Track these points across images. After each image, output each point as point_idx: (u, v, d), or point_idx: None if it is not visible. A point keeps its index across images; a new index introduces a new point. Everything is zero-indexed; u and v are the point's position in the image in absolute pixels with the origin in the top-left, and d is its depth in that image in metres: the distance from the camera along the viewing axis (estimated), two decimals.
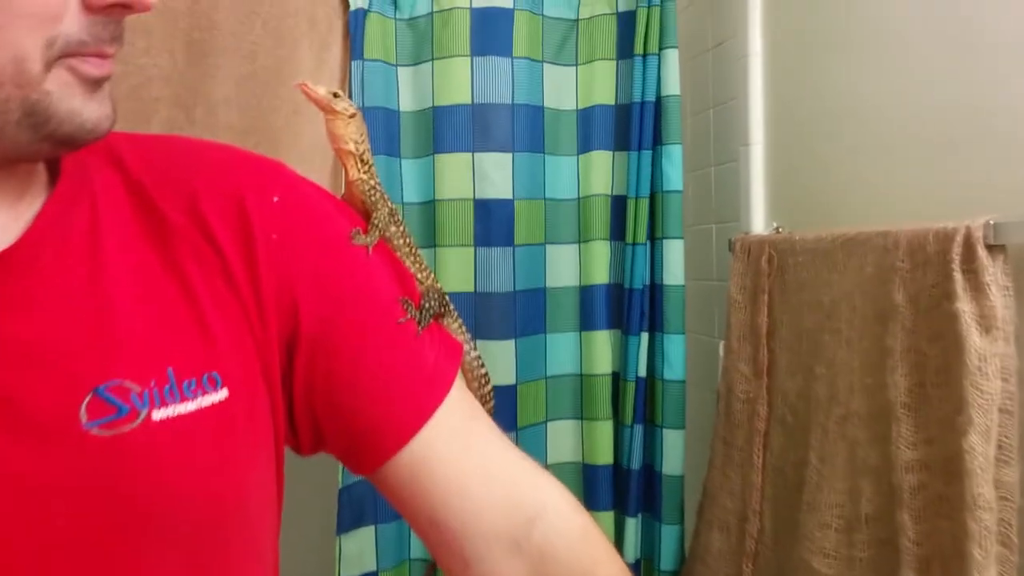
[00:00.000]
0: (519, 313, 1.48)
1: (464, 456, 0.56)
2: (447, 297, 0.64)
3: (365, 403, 0.54)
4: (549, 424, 1.55)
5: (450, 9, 1.43)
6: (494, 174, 1.45)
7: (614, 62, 1.52)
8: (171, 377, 0.47)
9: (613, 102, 1.52)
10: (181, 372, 0.47)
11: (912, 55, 1.08)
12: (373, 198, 0.63)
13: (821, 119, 1.28)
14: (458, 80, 1.44)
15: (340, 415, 0.55)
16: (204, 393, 0.48)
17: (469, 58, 1.43)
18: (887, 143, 1.13)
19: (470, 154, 1.44)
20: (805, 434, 1.12)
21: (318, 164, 1.39)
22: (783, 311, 1.22)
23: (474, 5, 1.43)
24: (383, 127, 1.45)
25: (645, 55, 1.46)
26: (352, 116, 0.63)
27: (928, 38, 1.05)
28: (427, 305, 0.60)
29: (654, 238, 1.49)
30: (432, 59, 1.45)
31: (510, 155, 1.46)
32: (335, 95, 0.62)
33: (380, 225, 0.61)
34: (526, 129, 1.47)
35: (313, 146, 1.39)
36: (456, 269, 1.46)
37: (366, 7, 1.41)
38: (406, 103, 1.48)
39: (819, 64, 1.28)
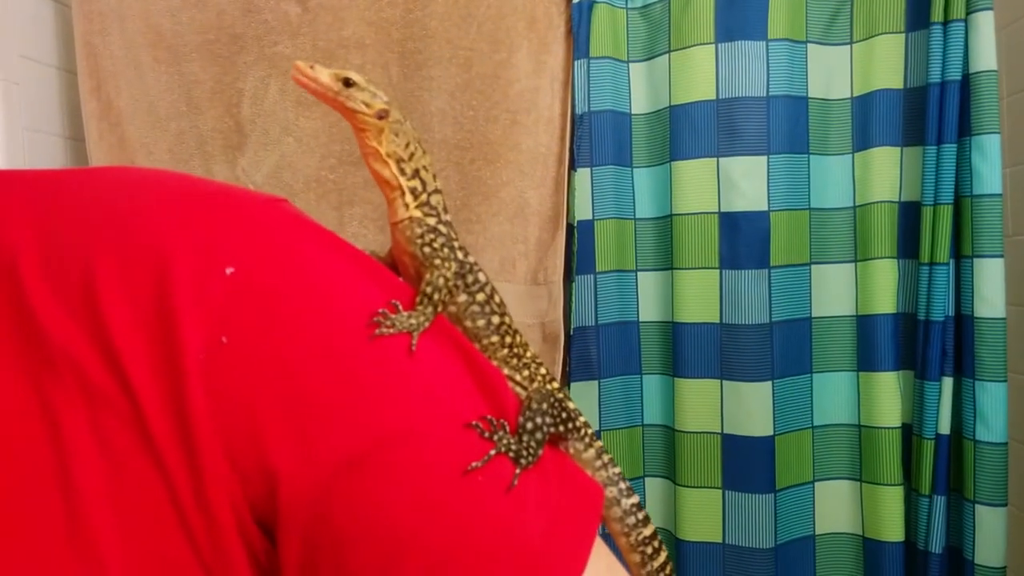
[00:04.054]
0: (777, 349, 1.24)
1: None
2: (571, 405, 0.38)
3: None
4: (817, 485, 1.30)
5: None
6: (743, 182, 1.22)
7: (902, 35, 1.23)
8: None
9: (901, 86, 1.23)
10: None
11: None
12: (429, 248, 0.37)
13: None
14: (700, 72, 1.23)
15: None
16: None
17: (713, 45, 1.22)
18: None
19: (714, 159, 1.24)
20: None
21: (538, 179, 1.24)
22: None
23: None
24: (611, 133, 1.29)
25: (946, 22, 1.15)
26: (381, 116, 0.38)
27: None
28: (531, 425, 0.34)
29: (960, 256, 1.18)
30: (668, 51, 1.25)
31: (764, 158, 1.22)
32: (347, 81, 0.38)
33: (437, 295, 0.35)
34: (784, 126, 1.23)
35: (534, 159, 1.24)
36: (697, 296, 1.26)
37: None
38: (639, 104, 1.30)
39: None
